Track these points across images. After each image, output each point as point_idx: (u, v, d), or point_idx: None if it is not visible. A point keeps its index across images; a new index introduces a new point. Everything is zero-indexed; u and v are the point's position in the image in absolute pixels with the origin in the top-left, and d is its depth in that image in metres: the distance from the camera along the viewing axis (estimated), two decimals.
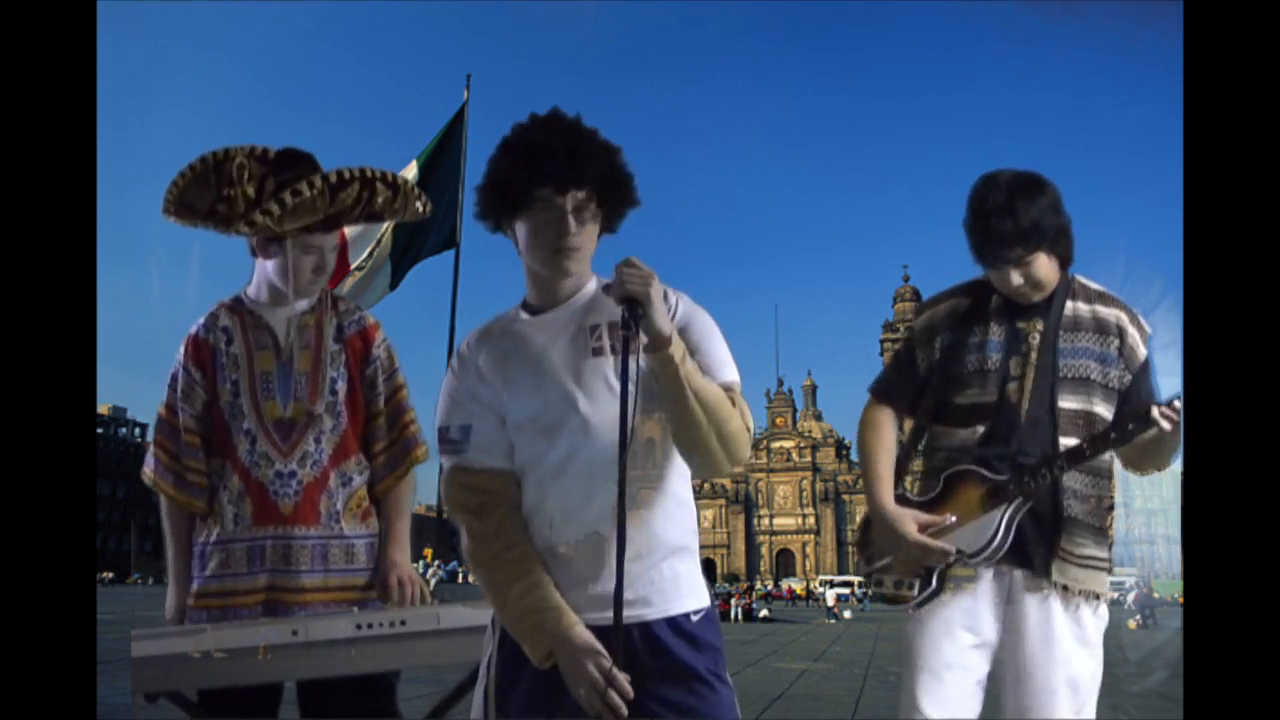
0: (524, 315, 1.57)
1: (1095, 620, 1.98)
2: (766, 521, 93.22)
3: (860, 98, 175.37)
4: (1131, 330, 2.04)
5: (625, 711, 1.34)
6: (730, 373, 1.50)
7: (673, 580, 1.48)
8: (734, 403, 1.46)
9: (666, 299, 1.50)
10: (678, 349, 1.37)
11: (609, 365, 1.47)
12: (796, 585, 68.78)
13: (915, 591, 2.00)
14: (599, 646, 1.38)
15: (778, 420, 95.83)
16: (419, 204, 2.18)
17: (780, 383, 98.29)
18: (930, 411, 2.11)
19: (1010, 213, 1.93)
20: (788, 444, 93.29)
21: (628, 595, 1.41)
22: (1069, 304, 2.04)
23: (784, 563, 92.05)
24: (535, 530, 1.49)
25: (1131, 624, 25.68)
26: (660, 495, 1.50)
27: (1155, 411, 1.87)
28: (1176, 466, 1.97)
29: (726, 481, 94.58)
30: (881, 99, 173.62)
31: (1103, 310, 2.05)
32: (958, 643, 1.96)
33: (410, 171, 6.57)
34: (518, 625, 1.45)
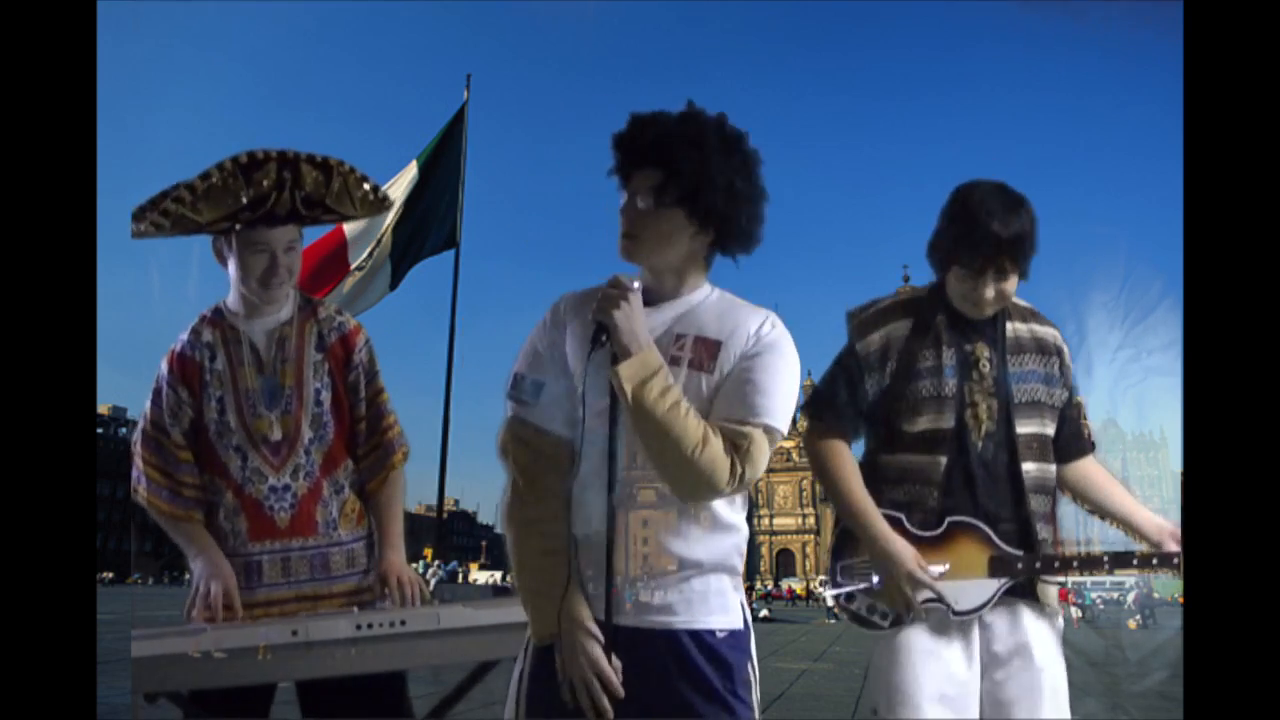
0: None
1: (1058, 625, 2.01)
2: (766, 521, 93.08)
3: (860, 98, 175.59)
4: (1064, 347, 2.07)
5: (611, 714, 1.37)
6: (764, 414, 1.45)
7: (702, 595, 1.48)
8: (747, 442, 1.42)
9: (759, 326, 1.52)
10: (631, 371, 1.39)
11: (681, 375, 1.48)
12: (796, 585, 68.74)
13: (886, 624, 1.97)
14: (594, 649, 1.39)
15: None
16: (363, 189, 2.11)
17: None
18: (878, 437, 2.06)
19: (1014, 222, 1.90)
20: (788, 444, 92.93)
21: (655, 600, 1.45)
22: (1009, 325, 2.04)
23: (784, 563, 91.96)
24: (580, 517, 1.49)
25: (1131, 624, 25.65)
26: (695, 510, 1.48)
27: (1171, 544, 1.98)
28: (1176, 467, 1.97)
29: None
30: (881, 99, 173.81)
31: (1040, 329, 2.07)
32: (937, 674, 1.92)
33: (410, 172, 6.56)
34: (533, 595, 1.47)
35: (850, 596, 2.03)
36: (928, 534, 1.97)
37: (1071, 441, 2.08)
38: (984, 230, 1.90)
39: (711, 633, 1.47)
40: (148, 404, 2.12)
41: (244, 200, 1.98)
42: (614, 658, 1.39)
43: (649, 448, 1.42)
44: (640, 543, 1.46)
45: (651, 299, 1.55)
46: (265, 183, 1.97)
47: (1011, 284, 1.98)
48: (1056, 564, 1.93)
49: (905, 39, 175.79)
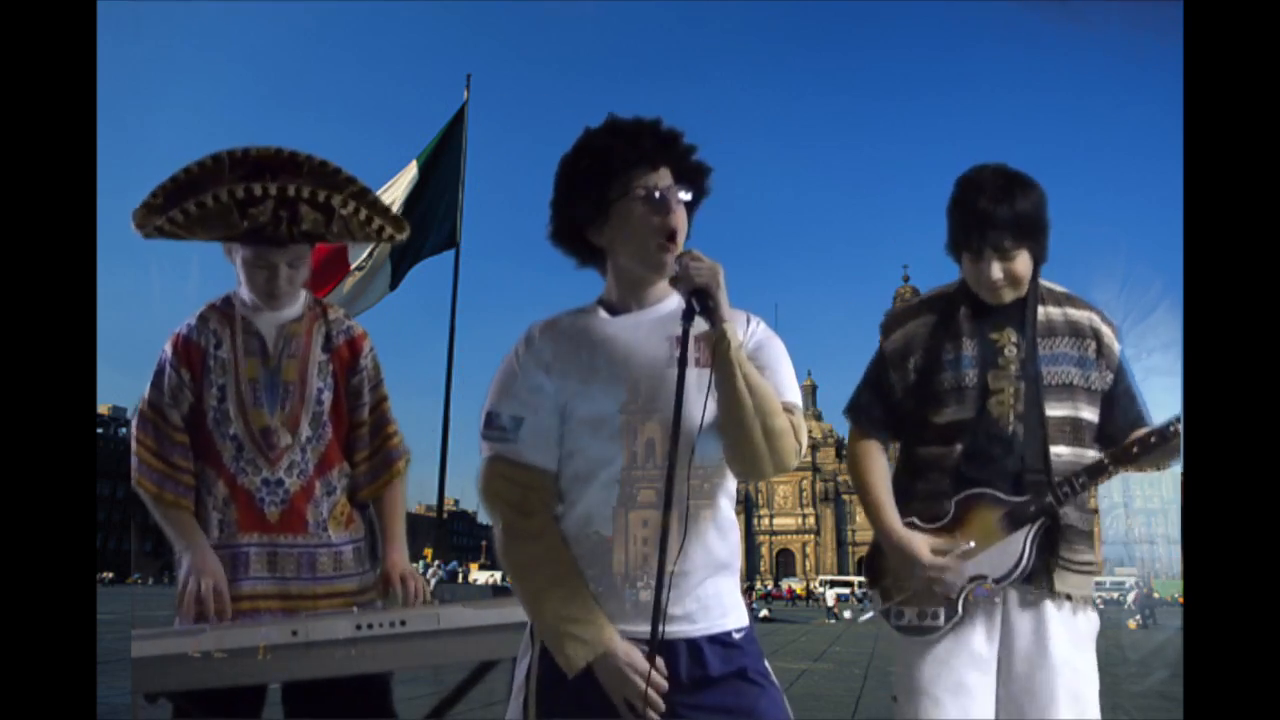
0: (604, 314, 1.54)
1: (1089, 625, 1.96)
2: (766, 521, 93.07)
3: (860, 98, 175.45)
4: (1105, 329, 2.02)
5: None
6: (792, 394, 1.49)
7: (716, 597, 1.47)
8: (796, 418, 1.44)
9: (748, 323, 1.53)
10: (734, 334, 1.38)
11: (690, 375, 1.42)
12: (796, 585, 68.74)
13: (941, 621, 1.94)
14: (638, 660, 1.36)
15: None
16: (369, 230, 2.09)
17: None
18: (911, 432, 2.07)
19: (1008, 200, 1.91)
20: None
21: (676, 610, 1.41)
22: (1040, 309, 2.01)
23: (784, 563, 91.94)
24: (594, 528, 1.46)
25: (1131, 624, 25.67)
26: (713, 511, 1.49)
27: (1176, 428, 1.85)
28: (1176, 467, 1.96)
29: None
30: (881, 99, 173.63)
31: (1074, 313, 2.03)
32: (955, 667, 1.91)
33: (410, 172, 6.56)
34: (554, 632, 1.42)
35: (900, 613, 2.00)
36: (936, 523, 1.98)
37: (1125, 429, 1.98)
38: (975, 209, 1.94)
39: (729, 634, 1.47)
40: (147, 387, 2.11)
41: (240, 229, 1.98)
42: (659, 664, 1.36)
43: (740, 415, 1.38)
44: (701, 549, 1.45)
45: (627, 307, 1.53)
46: (261, 218, 1.97)
47: (1021, 264, 1.95)
48: (1065, 488, 1.89)
49: (905, 39, 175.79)
